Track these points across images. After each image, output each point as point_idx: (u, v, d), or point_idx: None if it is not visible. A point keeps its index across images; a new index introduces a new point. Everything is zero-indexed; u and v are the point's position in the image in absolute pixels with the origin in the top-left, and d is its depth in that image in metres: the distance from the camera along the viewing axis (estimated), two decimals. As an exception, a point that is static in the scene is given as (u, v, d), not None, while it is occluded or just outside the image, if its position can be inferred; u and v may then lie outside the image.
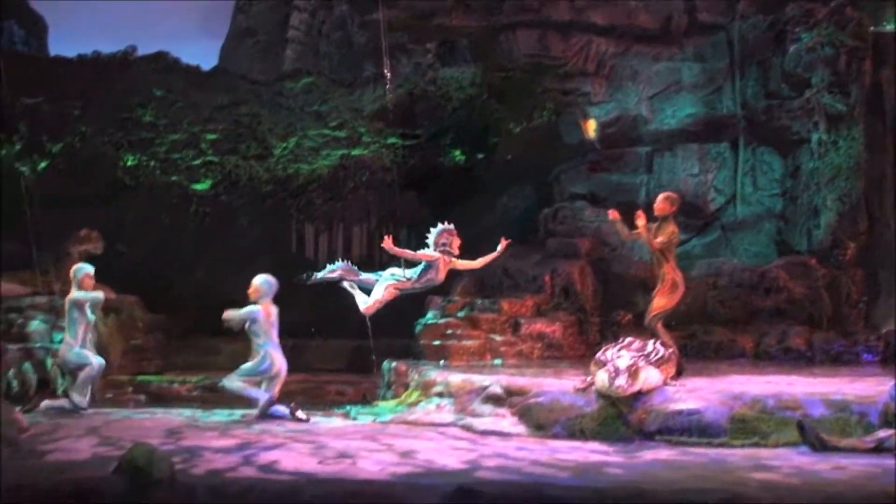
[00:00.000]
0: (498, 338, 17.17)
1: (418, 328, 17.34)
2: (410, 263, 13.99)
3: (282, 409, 13.58)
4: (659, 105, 20.35)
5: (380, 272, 14.28)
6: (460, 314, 17.63)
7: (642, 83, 20.36)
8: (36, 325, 15.32)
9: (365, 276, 14.33)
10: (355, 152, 21.81)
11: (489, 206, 21.42)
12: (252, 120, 21.31)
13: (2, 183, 20.76)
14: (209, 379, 18.11)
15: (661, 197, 14.29)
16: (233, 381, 13.78)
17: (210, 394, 17.58)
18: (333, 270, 14.39)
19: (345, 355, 19.69)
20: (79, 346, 14.14)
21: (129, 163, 21.63)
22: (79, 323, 14.27)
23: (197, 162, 22.00)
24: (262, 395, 13.61)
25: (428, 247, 13.85)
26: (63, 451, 10.48)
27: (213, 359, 20.00)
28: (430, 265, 13.89)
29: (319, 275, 14.52)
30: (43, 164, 21.61)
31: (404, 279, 14.07)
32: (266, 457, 10.08)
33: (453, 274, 14.64)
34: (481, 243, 16.82)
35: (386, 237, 13.71)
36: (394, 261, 14.19)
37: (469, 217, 17.98)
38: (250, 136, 21.56)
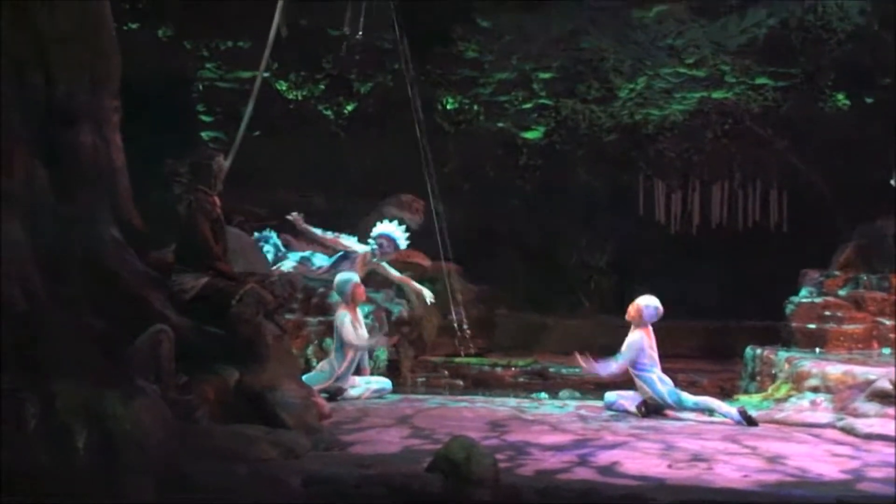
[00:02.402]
0: (887, 322, 16.40)
1: (789, 308, 16.88)
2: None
3: (627, 403, 13.65)
4: None
5: (303, 254, 14.39)
6: (842, 292, 17.09)
7: None
8: (339, 295, 15.89)
9: (286, 252, 14.53)
10: (716, 95, 21.57)
11: (881, 159, 20.84)
12: (594, 56, 21.28)
13: (304, 128, 21.63)
14: (538, 363, 18.36)
15: None
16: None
17: (539, 381, 17.79)
18: (258, 240, 14.57)
19: (700, 338, 19.62)
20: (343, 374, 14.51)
21: (448, 105, 22.08)
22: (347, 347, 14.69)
23: (528, 105, 22.23)
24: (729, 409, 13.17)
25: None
26: (369, 442, 10.83)
27: (544, 338, 20.27)
28: (346, 256, 13.80)
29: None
30: (350, 107, 22.34)
31: (313, 266, 14.04)
32: (606, 457, 10.13)
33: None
34: (876, 205, 16.45)
35: (295, 213, 13.63)
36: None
37: (854, 173, 17.61)
38: (591, 75, 21.54)
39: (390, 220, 16.23)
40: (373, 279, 16.85)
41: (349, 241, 14.46)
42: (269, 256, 14.89)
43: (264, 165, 19.86)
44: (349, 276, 14.96)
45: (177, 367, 9.77)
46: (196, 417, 9.41)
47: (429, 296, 15.54)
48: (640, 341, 13.44)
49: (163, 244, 11.79)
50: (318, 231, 14.54)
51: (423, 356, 18.31)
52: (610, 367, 13.55)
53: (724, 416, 12.87)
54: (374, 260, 14.57)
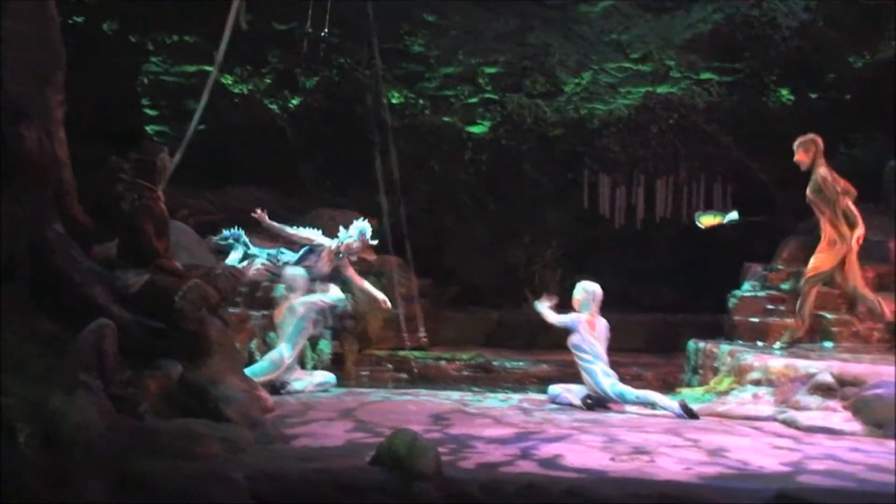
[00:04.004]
0: (829, 316, 16.48)
1: (732, 302, 17.09)
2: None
3: (571, 396, 13.79)
4: None
5: (270, 251, 14.59)
6: (784, 286, 17.22)
7: None
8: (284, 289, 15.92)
9: (254, 250, 14.61)
10: (661, 90, 21.71)
11: (826, 155, 20.98)
12: (540, 51, 21.33)
13: (249, 123, 21.58)
14: (482, 357, 18.50)
15: (798, 143, 15.31)
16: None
17: (483, 374, 18.00)
18: (227, 238, 14.72)
19: (644, 332, 19.80)
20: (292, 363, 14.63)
21: (394, 100, 22.04)
22: (304, 333, 14.87)
23: (474, 100, 22.26)
24: (672, 403, 13.28)
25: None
26: (313, 436, 10.85)
27: (488, 333, 20.40)
28: (312, 251, 13.97)
29: (216, 238, 15.24)
30: (295, 101, 22.33)
31: (278, 262, 14.47)
32: (548, 450, 10.18)
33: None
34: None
35: (259, 210, 13.77)
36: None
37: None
38: (537, 70, 21.62)
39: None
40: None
41: (315, 235, 14.50)
42: (239, 254, 14.94)
43: (210, 160, 19.82)
44: (300, 271, 15.06)
45: (120, 362, 9.78)
46: (139, 413, 9.41)
47: (382, 299, 15.61)
48: (576, 319, 13.70)
49: (107, 239, 11.79)
50: (283, 226, 14.59)
51: (368, 350, 18.36)
52: (549, 314, 13.96)
53: (666, 409, 13.02)
54: (341, 256, 14.60)
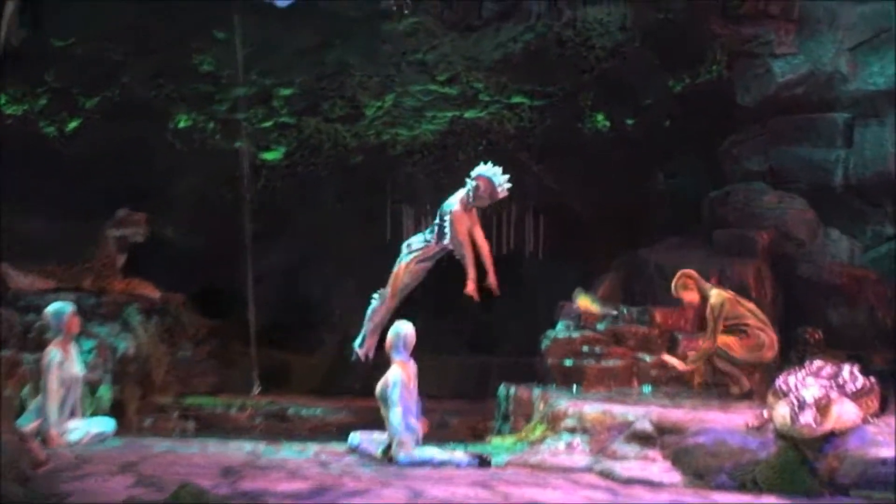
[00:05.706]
0: (648, 358, 16.79)
1: (545, 343, 17.10)
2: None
3: (372, 447, 13.44)
4: (863, 59, 19.67)
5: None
6: (600, 326, 17.42)
7: (841, 30, 19.73)
8: (58, 330, 15.54)
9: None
10: (469, 114, 21.88)
11: (641, 186, 21.25)
12: (339, 70, 21.16)
13: (23, 146, 20.90)
14: (276, 404, 18.33)
15: (675, 288, 15.51)
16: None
17: (278, 423, 17.84)
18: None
19: (452, 375, 19.78)
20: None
21: (181, 123, 21.91)
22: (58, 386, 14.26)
23: (268, 124, 22.16)
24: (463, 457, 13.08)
25: None
26: (89, 492, 10.53)
27: (284, 377, 20.30)
28: (443, 219, 14.17)
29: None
30: (74, 123, 21.89)
31: (420, 245, 14.63)
32: (348, 506, 10.09)
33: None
34: (637, 233, 16.66)
35: None
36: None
37: (616, 199, 17.85)
38: (336, 92, 21.54)
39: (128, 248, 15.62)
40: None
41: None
42: None
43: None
44: (62, 307, 14.46)
45: None
46: None
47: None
48: (398, 377, 13.19)
49: None
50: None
51: (151, 396, 18.02)
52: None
53: (454, 463, 12.82)
54: (472, 203, 14.15)
